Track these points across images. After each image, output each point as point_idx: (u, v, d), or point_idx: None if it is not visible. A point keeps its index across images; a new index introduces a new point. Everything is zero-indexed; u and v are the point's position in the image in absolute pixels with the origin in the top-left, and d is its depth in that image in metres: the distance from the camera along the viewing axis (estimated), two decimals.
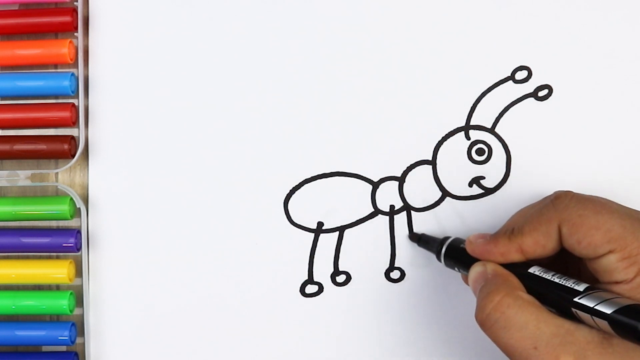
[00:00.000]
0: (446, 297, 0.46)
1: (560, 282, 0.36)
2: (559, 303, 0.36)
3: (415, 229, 0.47)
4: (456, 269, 0.42)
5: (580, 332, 0.34)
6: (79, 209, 0.47)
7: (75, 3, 0.48)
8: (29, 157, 0.48)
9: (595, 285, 0.36)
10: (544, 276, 0.37)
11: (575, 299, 0.35)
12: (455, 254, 0.42)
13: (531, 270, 0.38)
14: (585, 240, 0.36)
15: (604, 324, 0.34)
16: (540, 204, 0.39)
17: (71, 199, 0.47)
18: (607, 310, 0.34)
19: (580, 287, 0.35)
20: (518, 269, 0.38)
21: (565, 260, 0.39)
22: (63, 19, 0.47)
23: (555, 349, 0.34)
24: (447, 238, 0.43)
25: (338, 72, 0.47)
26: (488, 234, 0.40)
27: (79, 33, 0.47)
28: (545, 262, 0.38)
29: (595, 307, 0.34)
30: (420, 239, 0.46)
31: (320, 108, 0.47)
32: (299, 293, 0.47)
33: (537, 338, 0.34)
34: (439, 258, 0.43)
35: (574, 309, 0.35)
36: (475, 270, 0.39)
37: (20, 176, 0.48)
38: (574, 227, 0.36)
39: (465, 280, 0.42)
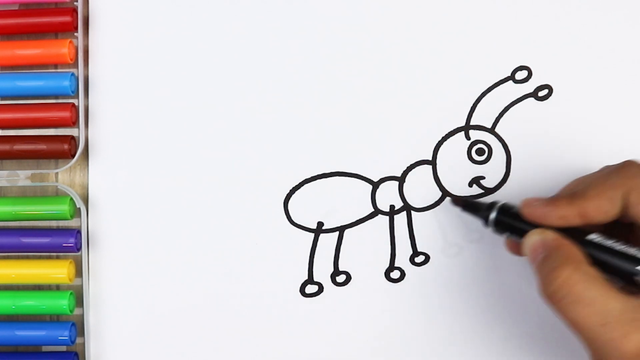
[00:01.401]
0: (446, 297, 0.46)
1: (622, 250, 0.36)
2: (620, 271, 0.35)
3: (415, 229, 0.47)
4: (507, 235, 0.41)
5: None
6: (79, 209, 0.47)
7: (75, 3, 0.48)
8: (29, 157, 0.48)
9: None
10: (604, 243, 0.36)
11: (639, 267, 0.35)
12: (508, 218, 0.40)
13: (590, 237, 0.37)
14: None
15: None
16: (603, 171, 0.39)
17: (71, 199, 0.47)
18: None
19: None
20: (576, 235, 0.37)
21: (621, 231, 0.38)
22: (63, 19, 0.47)
23: (624, 325, 0.33)
24: (495, 202, 0.42)
25: (338, 72, 0.47)
26: (544, 197, 0.39)
27: (79, 33, 0.47)
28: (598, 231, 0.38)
29: None
30: (465, 204, 0.44)
31: (320, 108, 0.47)
32: (299, 293, 0.47)
33: (606, 315, 0.34)
34: (486, 224, 0.41)
35: (636, 277, 0.35)
36: (534, 238, 0.38)
37: (20, 176, 0.48)
38: None
39: (511, 247, 0.42)
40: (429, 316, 0.47)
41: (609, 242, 0.36)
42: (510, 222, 0.40)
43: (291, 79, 0.47)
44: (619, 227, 0.38)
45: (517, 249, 0.41)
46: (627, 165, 0.38)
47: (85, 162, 0.48)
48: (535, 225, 0.39)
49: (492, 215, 0.41)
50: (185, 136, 0.47)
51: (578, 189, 0.38)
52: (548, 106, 0.46)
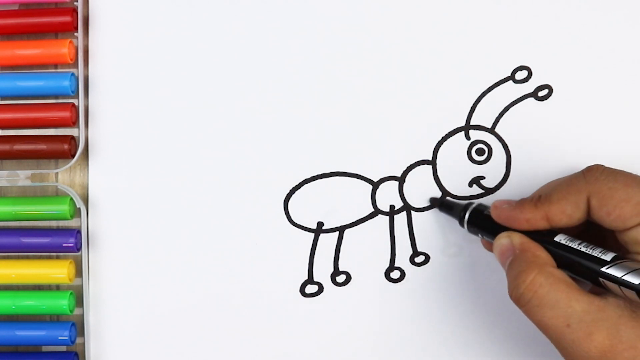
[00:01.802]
0: (446, 297, 0.46)
1: (587, 252, 0.36)
2: (585, 272, 0.36)
3: (415, 229, 0.47)
4: (479, 235, 0.42)
5: (610, 307, 0.35)
6: (79, 209, 0.47)
7: (75, 3, 0.48)
8: (29, 157, 0.48)
9: (623, 255, 0.36)
10: (570, 245, 0.37)
11: (603, 269, 0.35)
12: (479, 220, 0.42)
13: (557, 238, 0.38)
14: (615, 212, 0.36)
15: (632, 294, 0.34)
16: (569, 175, 0.39)
17: (71, 199, 0.47)
18: (636, 280, 0.34)
19: (608, 257, 0.35)
20: (543, 237, 0.38)
21: (587, 233, 0.39)
22: (63, 19, 0.47)
23: (588, 325, 0.34)
24: (470, 203, 0.43)
25: (338, 72, 0.47)
26: (513, 200, 0.40)
27: (79, 33, 0.47)
28: (570, 234, 0.38)
29: (623, 278, 0.34)
30: (442, 204, 0.45)
31: (320, 108, 0.47)
32: (299, 293, 0.47)
33: (570, 316, 0.35)
34: (461, 224, 0.43)
35: (601, 279, 0.35)
36: (501, 241, 0.39)
37: (20, 176, 0.48)
38: (604, 199, 0.36)
39: (487, 245, 0.43)
40: (429, 316, 0.47)
41: (575, 244, 0.37)
42: (482, 224, 0.42)
43: (291, 79, 0.47)
44: (592, 231, 0.39)
45: (490, 247, 0.42)
46: (592, 169, 0.38)
47: (85, 162, 0.48)
48: (505, 227, 0.39)
49: (466, 216, 0.43)
50: (185, 136, 0.47)
51: (543, 193, 0.39)
52: (548, 106, 0.46)
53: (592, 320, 0.34)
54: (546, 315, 0.35)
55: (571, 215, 0.37)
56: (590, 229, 0.39)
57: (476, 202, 0.43)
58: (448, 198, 0.46)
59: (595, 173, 0.38)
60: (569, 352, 0.35)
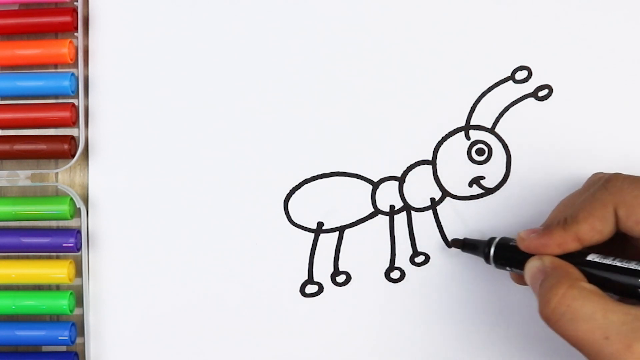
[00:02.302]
0: (446, 297, 0.46)
1: (622, 265, 0.36)
2: (622, 287, 0.35)
3: (415, 229, 0.47)
4: (508, 268, 0.41)
5: None
6: (79, 209, 0.47)
7: (75, 3, 0.48)
8: (29, 157, 0.48)
9: None
10: (604, 262, 0.36)
11: None
12: (506, 253, 0.41)
13: (590, 257, 0.37)
14: None
15: None
16: (588, 189, 0.39)
17: (71, 199, 0.47)
18: None
19: None
20: (575, 258, 0.37)
21: (618, 244, 0.38)
22: (63, 19, 0.47)
23: (626, 336, 0.33)
24: (493, 239, 0.42)
25: (338, 72, 0.47)
26: (538, 229, 0.39)
27: (79, 33, 0.47)
28: (599, 250, 0.38)
29: None
30: (464, 245, 0.45)
31: (320, 108, 0.47)
32: (299, 293, 0.47)
33: (607, 328, 0.33)
34: (487, 261, 0.42)
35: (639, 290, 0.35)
36: (532, 265, 0.38)
37: (20, 176, 0.48)
38: (631, 208, 0.36)
39: (517, 280, 0.42)
40: (429, 316, 0.47)
41: (608, 260, 0.36)
42: (509, 256, 0.41)
43: (291, 79, 0.47)
44: (616, 241, 0.38)
45: (521, 281, 0.41)
46: (612, 179, 0.37)
47: (85, 162, 0.48)
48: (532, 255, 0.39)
49: (491, 252, 0.42)
50: (185, 136, 0.47)
51: (568, 214, 0.38)
52: (548, 106, 0.46)
53: (630, 330, 0.33)
54: (581, 329, 0.34)
55: (602, 230, 0.37)
56: (619, 243, 0.38)
57: (498, 236, 0.42)
58: (468, 237, 0.45)
59: (616, 183, 0.37)
60: None
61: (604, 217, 0.37)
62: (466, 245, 0.44)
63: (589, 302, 0.34)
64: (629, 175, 0.37)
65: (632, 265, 0.35)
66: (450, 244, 0.46)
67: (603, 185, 0.37)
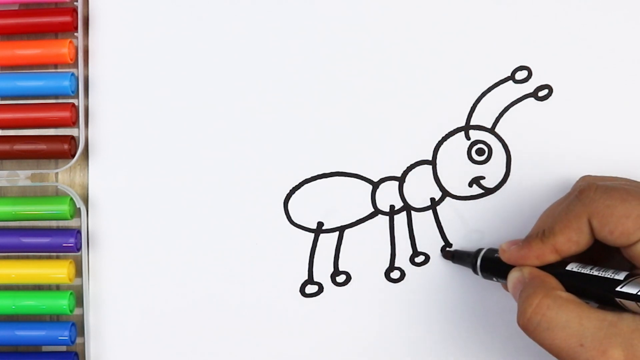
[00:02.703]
0: (446, 297, 0.46)
1: (600, 275, 0.36)
2: (601, 295, 0.36)
3: (415, 229, 0.47)
4: (494, 279, 0.42)
5: (623, 322, 0.34)
6: (79, 209, 0.47)
7: (75, 3, 0.48)
8: (29, 157, 0.48)
9: (634, 271, 0.36)
10: (582, 271, 0.37)
11: (618, 289, 0.35)
12: (491, 264, 0.42)
13: (569, 267, 0.37)
14: (617, 230, 0.36)
15: None
16: (565, 200, 0.39)
17: (71, 199, 0.47)
18: None
19: (620, 276, 0.35)
20: (555, 269, 0.38)
21: (600, 250, 0.39)
22: (63, 19, 0.47)
23: (601, 342, 0.34)
24: (480, 250, 0.43)
25: (338, 72, 0.47)
26: (519, 240, 0.40)
27: (79, 33, 0.47)
28: (580, 257, 0.38)
29: (639, 293, 0.34)
30: (453, 256, 0.46)
31: (320, 108, 0.47)
32: (299, 293, 0.47)
33: (582, 335, 0.34)
34: (475, 271, 0.43)
35: (617, 299, 0.35)
36: (513, 276, 0.39)
37: (20, 176, 0.48)
38: (604, 218, 0.36)
39: (506, 288, 0.42)
40: (429, 316, 0.47)
41: (586, 270, 0.37)
42: (495, 267, 0.41)
43: (291, 79, 0.47)
44: (599, 249, 0.38)
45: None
46: (585, 190, 0.37)
47: (85, 162, 0.48)
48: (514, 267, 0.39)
49: (478, 263, 0.43)
50: (185, 136, 0.47)
51: (546, 226, 0.38)
52: (548, 106, 0.46)
53: (605, 337, 0.34)
54: (557, 337, 0.34)
55: (578, 241, 0.37)
56: (602, 247, 0.38)
57: (485, 248, 0.43)
58: (458, 249, 0.46)
59: (589, 193, 0.37)
60: None
61: (579, 228, 0.37)
62: (455, 256, 0.46)
63: (564, 310, 0.35)
64: (602, 185, 0.37)
65: (609, 274, 0.36)
66: (442, 254, 0.46)
67: (577, 197, 0.38)
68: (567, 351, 0.34)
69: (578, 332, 0.34)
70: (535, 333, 0.35)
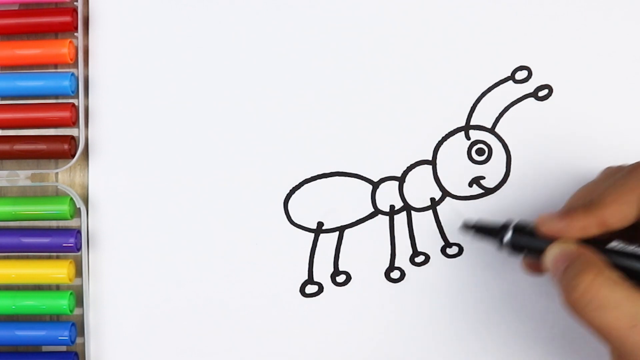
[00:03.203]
0: (446, 297, 0.46)
1: None
2: None
3: (415, 229, 0.47)
4: (525, 255, 0.40)
5: None
6: (79, 209, 0.47)
7: (75, 3, 0.48)
8: (29, 157, 0.48)
9: None
10: (626, 250, 0.36)
11: None
12: (524, 237, 0.39)
13: (612, 245, 0.37)
14: None
15: None
16: (610, 177, 0.38)
17: (71, 199, 0.47)
18: None
19: None
20: (597, 245, 0.37)
21: (632, 233, 0.38)
22: (63, 19, 0.47)
23: None
24: (509, 222, 0.40)
25: (338, 72, 0.47)
26: (556, 212, 0.38)
27: (79, 33, 0.47)
28: (620, 237, 0.38)
29: None
30: (475, 228, 0.42)
31: (320, 108, 0.47)
32: (299, 293, 0.47)
33: (634, 316, 0.33)
34: (501, 246, 0.40)
35: None
36: (555, 251, 0.37)
37: (20, 176, 0.48)
38: None
39: (529, 267, 0.41)
40: (429, 316, 0.47)
41: (631, 248, 0.36)
42: (527, 242, 0.39)
43: (291, 79, 0.47)
44: (633, 230, 0.38)
45: (535, 268, 0.41)
46: (638, 167, 0.37)
47: (85, 162, 0.48)
48: (552, 241, 0.38)
49: (507, 236, 0.40)
50: (185, 136, 0.47)
51: (593, 198, 0.37)
52: (548, 106, 0.46)
53: None
54: (608, 317, 0.34)
55: (627, 215, 0.36)
56: (631, 231, 0.38)
57: (514, 220, 0.40)
58: (480, 220, 0.43)
59: None
60: (633, 355, 0.33)
61: (631, 201, 0.36)
62: (477, 229, 0.42)
63: (616, 289, 0.34)
64: None
65: None
66: (463, 226, 0.43)
67: (629, 172, 0.37)
68: (618, 331, 0.34)
69: (630, 313, 0.33)
70: (585, 311, 0.34)
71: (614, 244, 0.37)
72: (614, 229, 0.37)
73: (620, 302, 0.34)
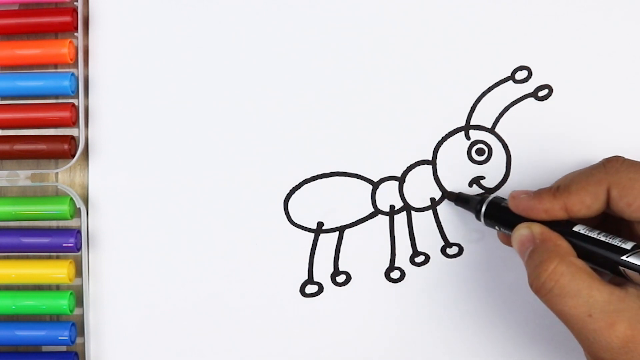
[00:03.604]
0: (446, 296, 0.46)
1: (607, 241, 0.36)
2: (605, 262, 0.36)
3: (415, 229, 0.47)
4: (496, 227, 0.42)
5: (630, 297, 0.35)
6: (79, 209, 0.47)
7: (75, 3, 0.48)
8: (29, 157, 0.48)
9: None
10: (589, 235, 0.37)
11: (623, 258, 0.35)
12: (497, 211, 0.42)
13: (576, 228, 0.38)
14: (636, 203, 0.36)
15: None
16: (589, 167, 0.39)
17: (71, 199, 0.47)
18: None
19: (627, 245, 0.36)
20: (562, 227, 0.38)
21: (602, 226, 0.39)
22: (63, 19, 0.47)
23: (609, 315, 0.34)
24: (487, 196, 0.43)
25: (338, 72, 0.47)
26: (531, 190, 0.40)
27: (79, 33, 0.47)
28: (586, 224, 0.38)
29: None
30: (457, 198, 0.45)
31: (320, 108, 0.47)
32: (299, 293, 0.47)
33: (591, 305, 0.35)
34: (478, 217, 0.43)
35: (621, 268, 0.35)
36: (521, 232, 0.39)
37: (20, 176, 0.48)
38: (624, 190, 0.36)
39: (503, 239, 0.43)
40: (429, 316, 0.47)
41: (594, 234, 0.37)
42: (500, 215, 0.41)
43: (291, 80, 0.47)
44: (610, 222, 0.39)
45: (508, 241, 0.42)
46: (612, 160, 0.38)
47: (85, 162, 0.48)
48: (523, 219, 0.39)
49: (483, 208, 0.42)
50: (185, 136, 0.47)
51: (562, 183, 0.39)
52: (548, 106, 0.46)
53: (613, 311, 0.34)
54: (568, 305, 0.35)
55: (590, 206, 0.37)
56: (605, 222, 0.39)
57: (493, 194, 0.43)
58: (462, 192, 0.45)
59: (615, 164, 0.38)
60: (591, 342, 0.35)
61: (595, 193, 0.37)
62: (459, 198, 0.45)
63: (577, 278, 0.35)
64: (628, 159, 0.38)
65: (616, 242, 0.36)
66: (445, 195, 0.46)
67: (602, 164, 0.38)
68: (576, 320, 0.35)
69: (587, 303, 0.35)
70: (547, 297, 0.36)
71: (579, 228, 0.38)
72: (579, 217, 0.38)
73: (579, 291, 0.35)
